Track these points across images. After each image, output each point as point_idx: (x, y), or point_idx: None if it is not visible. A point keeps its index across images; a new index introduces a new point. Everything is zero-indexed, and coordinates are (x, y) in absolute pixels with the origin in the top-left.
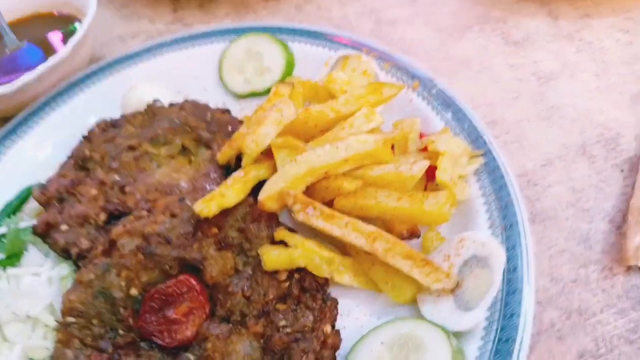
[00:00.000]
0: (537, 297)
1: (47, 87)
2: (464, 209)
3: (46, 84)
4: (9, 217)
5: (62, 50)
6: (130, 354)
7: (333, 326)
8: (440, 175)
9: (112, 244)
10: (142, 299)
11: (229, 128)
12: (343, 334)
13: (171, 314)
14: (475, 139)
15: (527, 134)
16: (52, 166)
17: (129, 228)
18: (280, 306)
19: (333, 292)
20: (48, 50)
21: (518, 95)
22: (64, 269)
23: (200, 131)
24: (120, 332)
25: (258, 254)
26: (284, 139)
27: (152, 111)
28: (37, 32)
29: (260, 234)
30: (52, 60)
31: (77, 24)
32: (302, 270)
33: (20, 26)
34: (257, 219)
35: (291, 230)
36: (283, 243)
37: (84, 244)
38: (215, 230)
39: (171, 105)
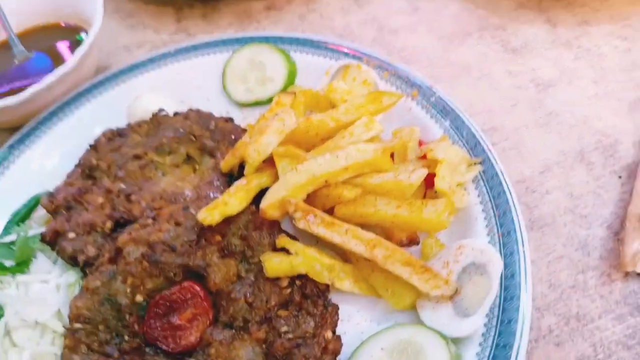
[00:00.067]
0: (536, 303)
1: (55, 97)
2: (462, 216)
3: (54, 94)
4: (17, 225)
5: (70, 61)
6: (135, 359)
7: (334, 332)
8: (438, 183)
9: (118, 251)
10: (147, 305)
11: (232, 136)
12: (344, 340)
13: (175, 320)
14: (474, 147)
15: (525, 141)
16: (59, 175)
17: (134, 236)
18: (282, 312)
19: (334, 298)
20: (56, 59)
21: (516, 102)
22: (72, 276)
23: (204, 140)
24: (126, 337)
25: (260, 261)
26: (286, 148)
27: (157, 120)
28: (44, 43)
29: (262, 242)
30: (59, 71)
31: (83, 35)
32: (303, 277)
33: (27, 37)
34: (259, 227)
35: (292, 237)
36: (285, 250)
37: (91, 251)
38: (218, 237)
39: (176, 114)
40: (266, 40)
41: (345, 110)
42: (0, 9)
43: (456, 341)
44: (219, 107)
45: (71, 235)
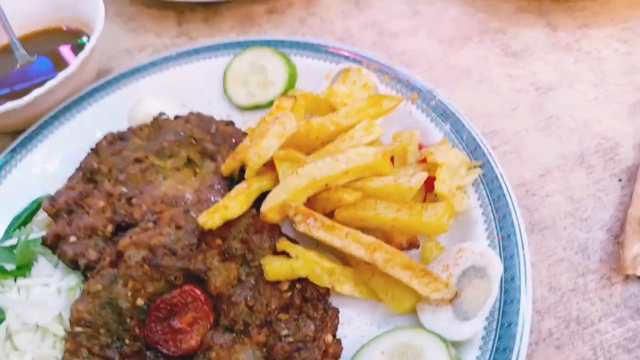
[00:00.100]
0: (536, 306)
1: (57, 101)
2: (462, 219)
3: (56, 98)
4: (19, 228)
5: (72, 65)
6: None
7: (334, 335)
8: (438, 186)
9: (119, 255)
10: (148, 309)
11: (233, 140)
12: (344, 343)
13: (176, 323)
14: (474, 150)
15: (525, 144)
16: (61, 179)
17: (135, 240)
18: (283, 316)
19: (334, 301)
20: (58, 63)
21: (517, 105)
22: (73, 279)
23: (205, 143)
24: (127, 341)
25: (260, 265)
26: (286, 152)
27: (158, 124)
28: (45, 47)
29: (263, 245)
30: (61, 75)
31: (84, 39)
32: (303, 281)
33: (29, 41)
34: (259, 230)
35: (293, 241)
36: (285, 254)
37: (92, 255)
38: (219, 241)
39: (177, 117)
40: (267, 43)
41: (345, 114)
42: (2, 13)
43: (456, 345)
44: (220, 111)
45: (72, 238)
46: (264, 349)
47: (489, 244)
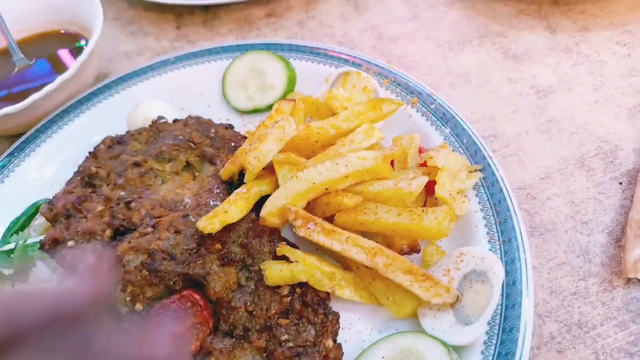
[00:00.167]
0: (537, 310)
1: (55, 104)
2: (463, 223)
3: (54, 101)
4: (17, 233)
5: (70, 69)
6: None
7: (335, 340)
8: (439, 190)
9: (118, 260)
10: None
11: (232, 144)
12: (345, 348)
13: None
14: (474, 154)
15: (526, 148)
16: (59, 183)
17: (134, 244)
18: (283, 321)
19: (334, 306)
20: (57, 66)
21: (517, 109)
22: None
23: (204, 147)
24: None
25: (260, 269)
26: (286, 156)
27: (157, 128)
28: (44, 50)
29: (263, 250)
30: (60, 79)
31: (82, 42)
32: (303, 285)
33: (27, 45)
34: (259, 235)
35: (293, 245)
36: (285, 258)
37: (91, 260)
38: (218, 246)
39: (175, 121)
40: (266, 47)
41: (345, 118)
42: (0, 17)
43: (458, 349)
44: (219, 114)
45: (70, 243)
46: (264, 354)
47: (490, 248)
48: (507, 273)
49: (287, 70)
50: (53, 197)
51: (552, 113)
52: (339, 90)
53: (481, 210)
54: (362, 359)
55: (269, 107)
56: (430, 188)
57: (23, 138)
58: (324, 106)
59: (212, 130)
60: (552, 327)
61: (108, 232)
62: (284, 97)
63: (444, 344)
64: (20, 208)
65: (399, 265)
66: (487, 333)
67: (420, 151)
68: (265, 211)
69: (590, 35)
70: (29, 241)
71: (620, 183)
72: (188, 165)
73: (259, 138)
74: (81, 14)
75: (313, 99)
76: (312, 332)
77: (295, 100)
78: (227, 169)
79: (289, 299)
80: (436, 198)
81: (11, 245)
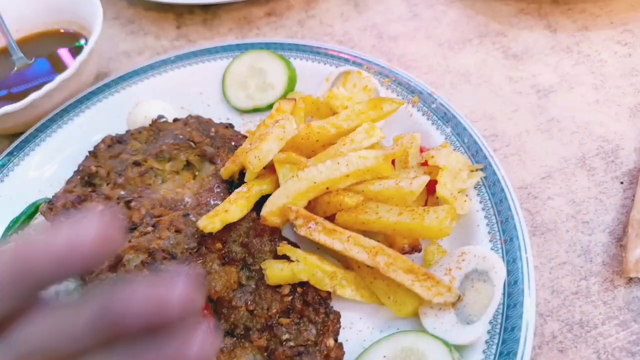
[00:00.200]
0: (538, 309)
1: (55, 103)
2: (464, 222)
3: (54, 101)
4: (16, 232)
5: (70, 68)
6: None
7: (336, 339)
8: (440, 190)
9: (118, 259)
10: None
11: (233, 143)
12: (346, 347)
13: None
14: (475, 153)
15: (526, 147)
16: (58, 182)
17: (134, 243)
18: (284, 320)
19: (335, 305)
20: (56, 65)
21: (517, 108)
22: (71, 283)
23: (204, 146)
24: None
25: (261, 269)
26: (286, 155)
27: (157, 127)
28: (43, 49)
29: (263, 249)
30: (59, 78)
31: (82, 41)
32: (304, 284)
33: (26, 44)
34: (260, 234)
35: (294, 244)
36: (286, 257)
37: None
38: (219, 245)
39: (175, 120)
40: (266, 46)
41: (346, 117)
42: (0, 16)
43: (459, 348)
44: (219, 114)
45: None
46: (265, 353)
47: (492, 247)
48: (508, 272)
49: (287, 69)
50: (53, 196)
51: (552, 112)
52: (339, 90)
53: (482, 209)
54: (363, 358)
55: (269, 107)
56: (431, 187)
57: (22, 137)
58: (324, 105)
59: (213, 130)
60: (554, 326)
61: None
62: (284, 96)
63: (446, 343)
64: (20, 207)
65: (400, 265)
66: (488, 332)
67: (421, 150)
68: (266, 210)
69: (591, 35)
70: None
71: (622, 182)
72: (188, 165)
73: (259, 137)
74: (81, 14)
75: (313, 98)
76: (313, 331)
77: (295, 100)
78: (228, 168)
79: (290, 298)
80: (437, 197)
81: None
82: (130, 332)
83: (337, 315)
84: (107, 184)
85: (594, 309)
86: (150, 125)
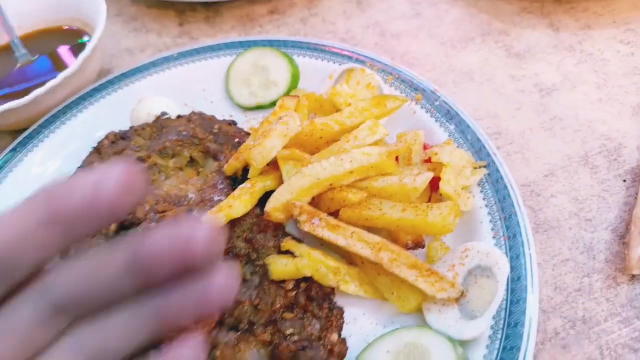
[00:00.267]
0: (541, 306)
1: (58, 100)
2: (468, 219)
3: (57, 97)
4: None
5: (73, 64)
6: None
7: (339, 334)
8: (443, 187)
9: None
10: None
11: (236, 140)
12: (349, 342)
13: None
14: (479, 150)
15: (529, 145)
16: None
17: None
18: (288, 315)
19: (339, 301)
20: (57, 63)
21: (520, 106)
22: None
23: (207, 143)
24: None
25: (265, 264)
26: (290, 151)
27: (160, 123)
28: (45, 46)
29: (267, 244)
30: (62, 74)
31: (85, 38)
32: (308, 280)
33: (29, 40)
34: (264, 230)
35: (297, 240)
36: (290, 253)
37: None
38: None
39: (179, 117)
40: (269, 43)
41: (349, 114)
42: (3, 12)
43: (463, 344)
44: (222, 111)
45: None
46: (269, 348)
47: (495, 244)
48: (512, 268)
49: (290, 66)
50: None
51: (555, 111)
52: (342, 87)
53: (486, 206)
54: (366, 353)
55: (272, 104)
56: (434, 184)
57: (26, 133)
58: (327, 103)
59: (216, 126)
60: (557, 322)
61: (113, 227)
62: (287, 93)
63: (449, 338)
64: None
65: (404, 260)
66: (492, 328)
67: (425, 147)
68: (269, 206)
69: (593, 34)
70: None
71: (624, 180)
72: (192, 161)
73: (263, 134)
74: (84, 11)
75: (317, 95)
76: (317, 326)
77: (299, 97)
78: (231, 165)
79: (293, 293)
80: (441, 194)
81: None
82: (160, 276)
83: (341, 310)
84: None
85: (596, 305)
86: (153, 121)
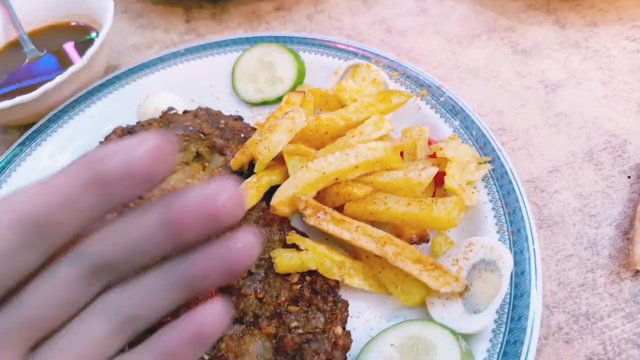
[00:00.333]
0: (545, 301)
1: (66, 95)
2: (472, 214)
3: (65, 92)
4: None
5: (82, 60)
6: None
7: (344, 327)
8: (448, 181)
9: None
10: None
11: (242, 135)
12: (353, 336)
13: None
14: (483, 146)
15: (534, 141)
16: None
17: None
18: (292, 308)
19: (344, 294)
20: (63, 60)
21: (526, 103)
22: None
23: (214, 138)
24: None
25: (270, 257)
26: (296, 146)
27: (167, 119)
28: (53, 42)
29: (273, 238)
30: (71, 70)
31: (93, 34)
32: (313, 273)
33: (37, 36)
34: (269, 223)
35: (302, 234)
36: (295, 246)
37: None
38: None
39: (185, 112)
40: (276, 40)
41: (355, 109)
42: (12, 9)
43: (466, 337)
44: (228, 106)
45: None
46: (274, 340)
47: (499, 239)
48: (516, 263)
49: (296, 62)
50: None
51: (560, 107)
52: (348, 83)
53: (490, 201)
54: (371, 346)
55: (278, 100)
56: (439, 179)
57: (34, 127)
58: (333, 98)
59: (222, 122)
60: (560, 317)
61: None
62: (293, 89)
63: (453, 332)
64: None
65: (408, 254)
66: (495, 321)
67: (430, 143)
68: (275, 200)
69: (599, 30)
70: None
71: (629, 177)
72: (198, 156)
73: (269, 129)
74: (91, 7)
75: (322, 91)
76: (322, 319)
77: (304, 92)
78: (237, 160)
79: (298, 286)
80: (445, 189)
81: None
82: (191, 235)
83: (345, 303)
84: None
85: (600, 301)
86: (160, 117)
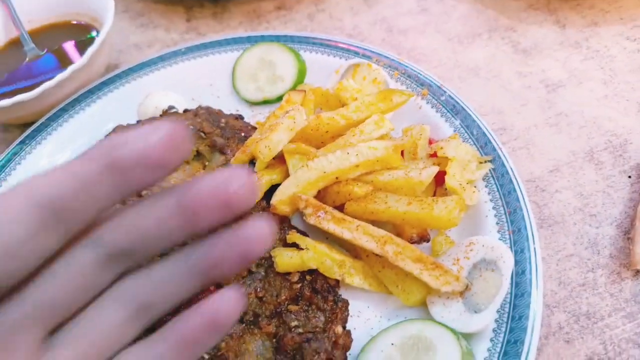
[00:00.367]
0: (546, 300)
1: (66, 94)
2: (473, 213)
3: (65, 91)
4: None
5: (82, 58)
6: None
7: (344, 327)
8: (449, 181)
9: None
10: None
11: (242, 134)
12: (354, 335)
13: None
14: (484, 145)
15: (535, 141)
16: None
17: None
18: (292, 307)
19: (344, 294)
20: (63, 58)
21: (526, 102)
22: None
23: (214, 137)
24: None
25: (270, 256)
26: (296, 145)
27: (168, 117)
28: (54, 41)
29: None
30: (71, 68)
31: (94, 33)
32: (313, 272)
33: (37, 35)
34: None
35: (303, 233)
36: (295, 245)
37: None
38: None
39: (186, 111)
40: (276, 39)
41: (355, 108)
42: (13, 7)
43: (467, 336)
44: (228, 105)
45: None
46: (274, 340)
47: (500, 238)
48: (516, 262)
49: (297, 61)
50: None
51: (561, 107)
52: (349, 82)
53: (491, 200)
54: (371, 346)
55: (279, 99)
56: (440, 179)
57: (34, 126)
58: (334, 97)
59: (223, 121)
60: (561, 317)
61: None
62: (293, 88)
63: (453, 331)
64: None
65: (409, 254)
66: (496, 321)
67: (430, 142)
68: (275, 199)
69: (600, 30)
70: None
71: (629, 176)
72: (198, 155)
73: (269, 128)
74: (92, 6)
75: (323, 90)
76: (322, 318)
77: (305, 91)
78: (238, 158)
79: (299, 285)
80: (446, 188)
81: None
82: (205, 222)
83: (346, 303)
84: None
85: (600, 300)
86: (160, 115)
